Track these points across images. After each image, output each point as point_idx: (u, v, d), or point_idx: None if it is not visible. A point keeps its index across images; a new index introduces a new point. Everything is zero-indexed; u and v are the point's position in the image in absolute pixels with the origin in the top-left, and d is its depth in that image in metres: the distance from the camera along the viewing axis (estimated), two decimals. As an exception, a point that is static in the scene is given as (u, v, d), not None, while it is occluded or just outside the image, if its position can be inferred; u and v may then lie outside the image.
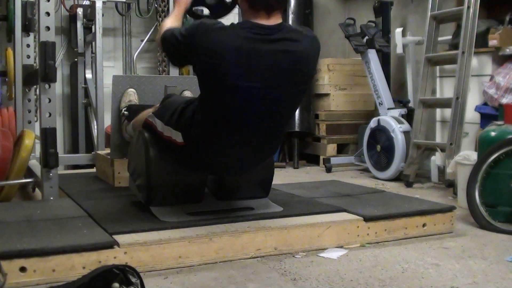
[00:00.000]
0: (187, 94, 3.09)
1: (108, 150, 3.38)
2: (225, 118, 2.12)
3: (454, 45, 3.85)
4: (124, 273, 1.58)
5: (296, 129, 4.98)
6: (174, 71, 4.18)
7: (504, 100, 3.38)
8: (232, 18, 5.78)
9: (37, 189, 3.37)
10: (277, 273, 1.96)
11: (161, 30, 2.28)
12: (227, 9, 2.45)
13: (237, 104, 2.08)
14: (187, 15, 2.51)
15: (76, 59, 5.04)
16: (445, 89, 3.98)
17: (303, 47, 2.12)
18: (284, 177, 4.29)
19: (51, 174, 2.75)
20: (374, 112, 4.89)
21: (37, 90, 3.43)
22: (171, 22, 2.31)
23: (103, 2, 4.16)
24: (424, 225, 2.46)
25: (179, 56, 2.20)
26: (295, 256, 2.15)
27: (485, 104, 3.61)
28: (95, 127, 4.35)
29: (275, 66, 2.05)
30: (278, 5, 2.06)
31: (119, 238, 1.96)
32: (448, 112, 3.79)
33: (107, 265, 1.63)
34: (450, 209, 2.56)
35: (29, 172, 3.39)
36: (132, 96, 3.02)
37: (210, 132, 2.16)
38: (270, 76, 2.06)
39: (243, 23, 2.08)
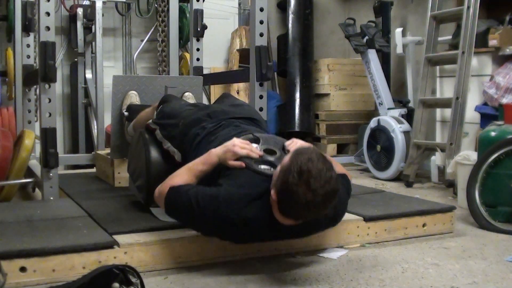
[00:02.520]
0: (188, 95, 3.09)
1: (108, 150, 3.38)
2: None
3: (454, 45, 3.85)
4: (124, 273, 1.59)
5: (296, 129, 4.98)
6: (174, 71, 4.19)
7: (504, 100, 3.38)
8: (231, 22, 5.77)
9: (37, 189, 3.37)
10: (277, 273, 1.95)
11: (170, 182, 1.99)
12: None
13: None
14: None
15: (76, 59, 5.04)
16: (445, 89, 3.98)
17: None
18: (284, 177, 4.28)
19: (51, 174, 2.75)
20: (374, 112, 4.90)
21: (37, 90, 3.43)
22: (187, 176, 2.00)
23: (103, 2, 4.16)
24: (424, 225, 2.46)
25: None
26: (295, 256, 2.15)
27: (485, 104, 3.61)
28: (95, 127, 4.35)
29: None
30: (308, 218, 1.83)
31: (119, 238, 1.96)
32: (448, 112, 3.79)
33: (107, 265, 1.64)
34: (450, 209, 2.56)
35: (29, 172, 3.39)
36: (133, 98, 3.03)
37: None
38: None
39: (269, 219, 1.85)
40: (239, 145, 1.96)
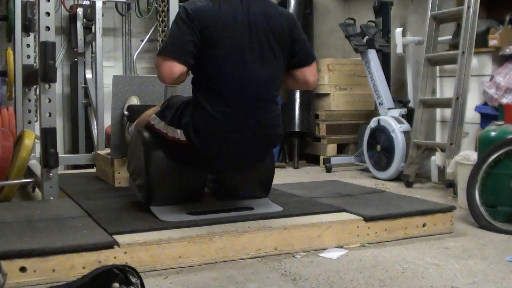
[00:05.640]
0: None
1: (108, 150, 3.38)
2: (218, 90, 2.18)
3: (454, 45, 3.85)
4: (124, 273, 1.59)
5: (296, 129, 4.98)
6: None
7: (504, 100, 3.38)
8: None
9: (37, 189, 3.37)
10: (277, 273, 1.95)
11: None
12: None
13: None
14: None
15: (76, 59, 5.04)
16: (445, 89, 3.98)
17: None
18: (284, 177, 4.29)
19: (51, 174, 2.75)
20: (374, 112, 4.89)
21: (37, 90, 3.43)
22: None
23: (103, 2, 4.16)
24: (424, 225, 2.46)
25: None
26: (295, 256, 2.15)
27: (485, 104, 3.61)
28: (95, 127, 4.36)
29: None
30: None
31: (119, 238, 1.96)
32: (448, 112, 3.79)
33: (107, 265, 1.64)
34: (450, 209, 2.56)
35: (29, 172, 3.39)
36: (135, 102, 3.03)
37: (206, 116, 2.18)
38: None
39: None
40: None
